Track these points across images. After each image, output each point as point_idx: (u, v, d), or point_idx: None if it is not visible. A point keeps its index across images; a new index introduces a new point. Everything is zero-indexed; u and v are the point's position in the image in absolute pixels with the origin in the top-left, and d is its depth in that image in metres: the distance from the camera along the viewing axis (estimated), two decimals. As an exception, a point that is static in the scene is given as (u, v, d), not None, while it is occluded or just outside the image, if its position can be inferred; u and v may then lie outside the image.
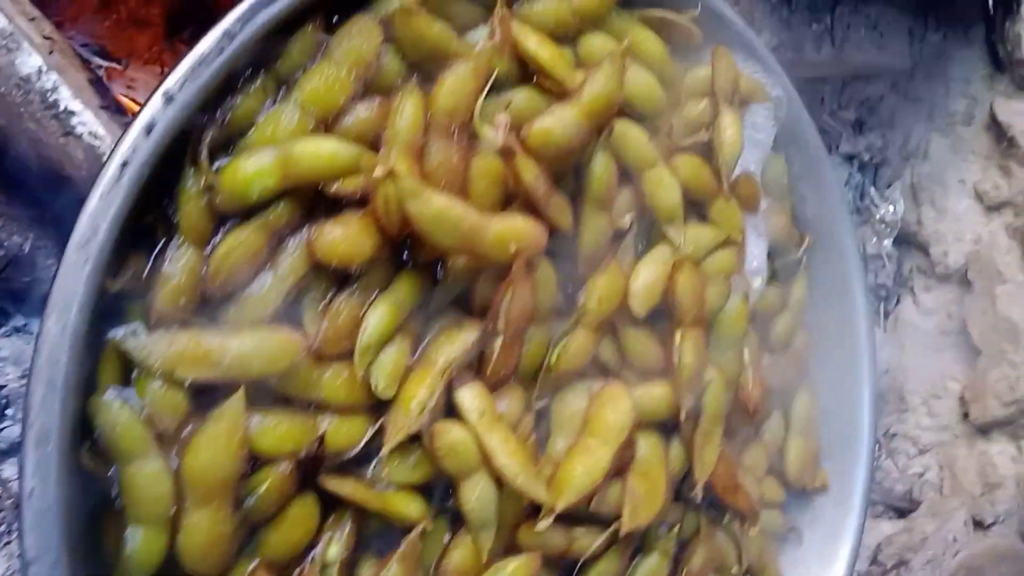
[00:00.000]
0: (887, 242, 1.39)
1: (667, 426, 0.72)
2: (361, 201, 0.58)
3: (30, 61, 0.79)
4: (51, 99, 0.79)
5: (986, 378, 1.30)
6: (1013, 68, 1.30)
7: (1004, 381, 1.28)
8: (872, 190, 1.38)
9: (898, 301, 1.41)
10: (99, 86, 0.83)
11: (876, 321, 1.41)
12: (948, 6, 1.30)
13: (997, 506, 1.31)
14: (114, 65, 1.04)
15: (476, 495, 0.62)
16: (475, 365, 0.64)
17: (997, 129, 1.30)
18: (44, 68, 0.79)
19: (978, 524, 1.30)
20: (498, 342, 0.63)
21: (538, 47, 0.62)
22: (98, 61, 1.01)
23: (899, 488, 1.36)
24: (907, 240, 1.39)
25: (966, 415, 1.34)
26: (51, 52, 0.82)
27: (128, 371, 0.54)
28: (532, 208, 0.62)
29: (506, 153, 0.59)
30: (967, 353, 1.34)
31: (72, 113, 0.78)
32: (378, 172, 0.54)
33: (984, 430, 1.32)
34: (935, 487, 1.37)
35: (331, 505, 0.60)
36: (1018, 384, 1.27)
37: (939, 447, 1.36)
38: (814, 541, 0.84)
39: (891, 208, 1.37)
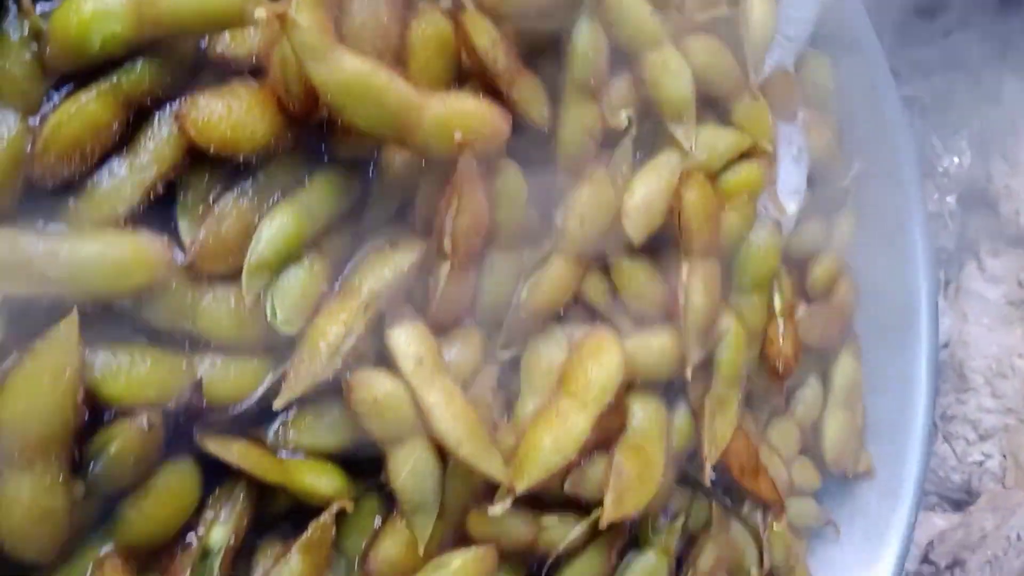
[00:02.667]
0: (950, 199, 1.22)
1: (671, 389, 0.57)
2: (258, 71, 0.44)
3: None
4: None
5: (1061, 356, 1.14)
6: (1103, -3, 1.12)
7: (1081, 359, 1.13)
8: (934, 138, 1.22)
9: (961, 267, 1.25)
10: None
11: (936, 314, 1.25)
12: (1029, -80, 1.13)
13: (1069, 502, 1.15)
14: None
15: (409, 468, 0.47)
16: (419, 303, 0.50)
17: (1082, 69, 1.13)
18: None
19: (1046, 522, 1.14)
20: (445, 268, 0.48)
21: None
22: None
23: (956, 477, 1.20)
24: (973, 197, 1.23)
25: (1035, 397, 1.18)
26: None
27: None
28: (492, 91, 0.48)
29: (453, 9, 0.44)
30: (1039, 327, 1.19)
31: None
32: (260, 13, 0.39)
33: (1056, 415, 1.17)
34: (997, 478, 1.21)
35: (219, 475, 0.46)
36: (1097, 363, 1.12)
37: (1003, 432, 1.21)
38: (854, 538, 0.69)
39: (956, 159, 1.21)
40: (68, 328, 0.40)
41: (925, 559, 1.09)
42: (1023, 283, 1.21)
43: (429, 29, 0.46)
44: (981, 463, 1.23)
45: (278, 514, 0.48)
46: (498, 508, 0.48)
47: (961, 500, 1.19)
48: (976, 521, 1.12)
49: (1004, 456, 1.22)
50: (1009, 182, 1.19)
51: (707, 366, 0.56)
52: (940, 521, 1.16)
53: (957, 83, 1.22)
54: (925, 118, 1.22)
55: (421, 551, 0.48)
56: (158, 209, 0.44)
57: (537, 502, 0.51)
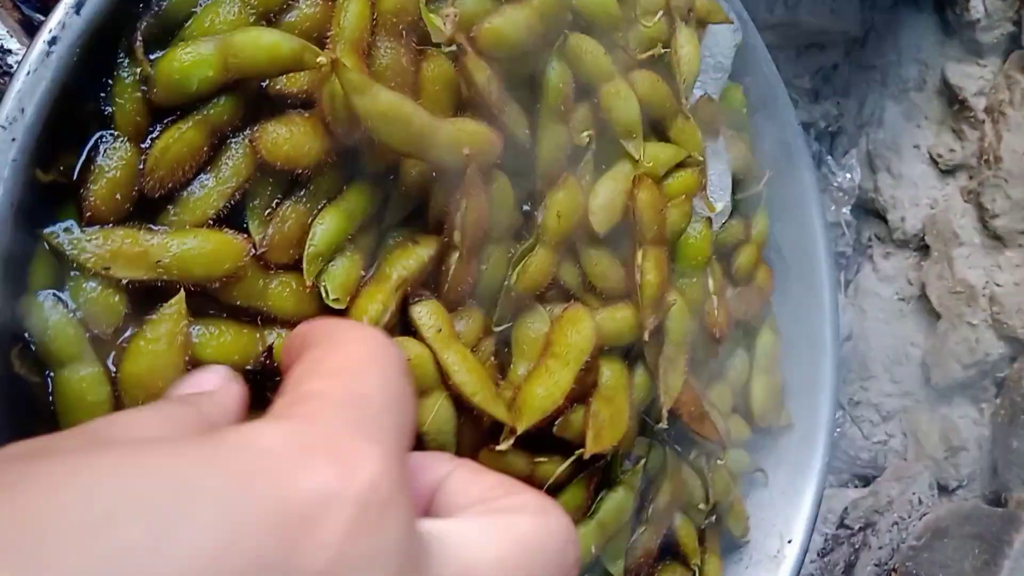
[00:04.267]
0: (845, 210, 1.38)
1: (631, 354, 0.70)
2: (307, 104, 0.56)
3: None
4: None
5: (946, 342, 1.29)
6: (962, 32, 1.30)
7: (963, 344, 1.28)
8: (829, 159, 1.38)
9: (858, 270, 1.41)
10: (30, 28, 0.80)
11: (837, 289, 1.40)
12: (897, -30, 1.31)
13: (960, 469, 1.30)
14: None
15: (433, 415, 0.59)
16: (432, 286, 0.62)
17: (949, 93, 1.30)
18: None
19: (942, 488, 1.30)
20: (454, 257, 0.60)
21: (489, -50, 0.60)
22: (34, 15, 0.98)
23: (864, 456, 1.35)
24: (865, 208, 1.39)
25: (928, 380, 1.33)
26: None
27: (62, 274, 0.50)
28: (486, 116, 0.60)
29: (456, 53, 0.57)
30: (927, 318, 1.34)
31: (8, 52, 0.75)
32: (322, 59, 0.51)
33: (945, 394, 1.32)
34: (899, 454, 1.36)
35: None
36: (977, 347, 1.27)
37: (902, 413, 1.36)
38: (779, 481, 0.83)
39: (848, 176, 1.37)
40: (178, 303, 0.51)
41: (841, 524, 1.23)
42: (912, 281, 1.37)
43: (437, 69, 0.59)
44: (885, 442, 1.38)
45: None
46: (503, 445, 0.60)
47: (869, 475, 1.33)
48: (883, 489, 1.26)
49: (904, 434, 1.37)
50: (894, 193, 1.36)
51: (659, 333, 0.69)
52: (853, 494, 1.30)
53: (846, 109, 1.39)
54: (820, 142, 1.38)
55: None
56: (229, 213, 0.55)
57: (534, 446, 0.63)
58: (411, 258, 0.59)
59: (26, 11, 0.89)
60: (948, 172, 1.33)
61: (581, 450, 0.63)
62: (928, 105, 1.34)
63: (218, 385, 0.42)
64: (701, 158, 0.71)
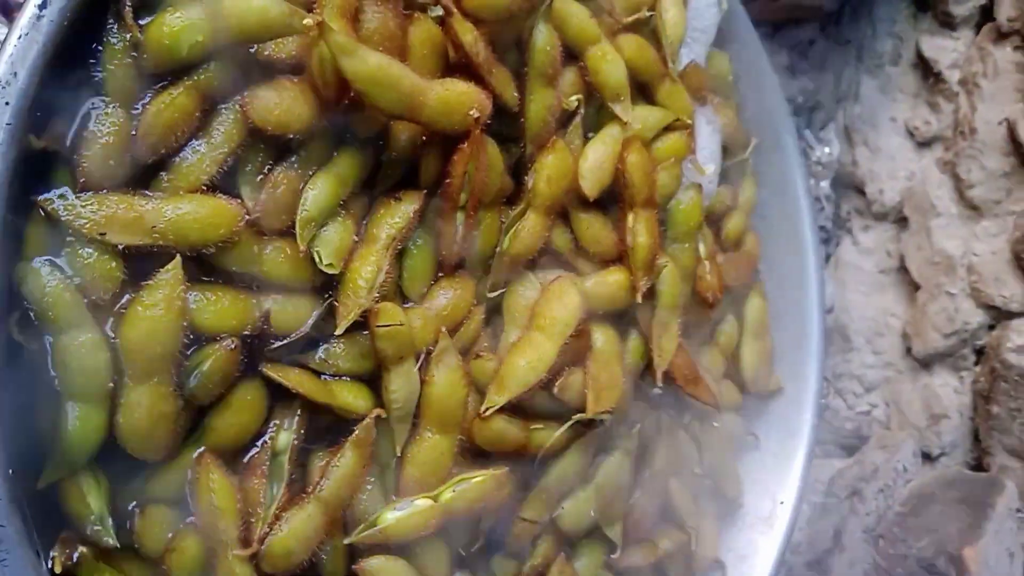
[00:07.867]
0: (824, 184, 1.39)
1: (624, 319, 0.70)
2: (296, 69, 0.56)
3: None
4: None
5: (926, 312, 1.30)
6: (936, 5, 1.31)
7: (943, 313, 1.29)
8: (807, 133, 1.39)
9: (838, 243, 1.42)
10: (6, 10, 0.80)
11: (822, 253, 1.41)
12: (870, -55, 1.31)
13: (943, 437, 1.31)
14: None
15: (402, 383, 0.58)
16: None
17: (924, 66, 1.31)
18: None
19: (926, 456, 1.31)
20: (461, 217, 0.60)
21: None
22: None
23: (848, 426, 1.36)
24: (843, 181, 1.40)
25: (909, 350, 1.34)
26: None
27: (58, 240, 0.50)
28: (474, 79, 0.60)
29: (442, 17, 0.57)
30: (907, 289, 1.35)
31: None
32: (308, 21, 0.51)
33: (926, 363, 1.33)
34: (883, 424, 1.37)
35: (279, 393, 0.57)
36: (956, 316, 1.28)
37: (884, 384, 1.37)
38: (770, 444, 0.83)
39: (826, 150, 1.38)
40: (175, 268, 0.51)
41: (828, 492, 1.24)
42: (891, 253, 1.38)
43: (424, 32, 0.59)
44: (868, 412, 1.39)
45: (324, 427, 0.59)
46: (485, 413, 0.60)
47: (854, 445, 1.34)
48: (868, 458, 1.27)
49: (887, 404, 1.38)
50: (872, 166, 1.36)
51: (651, 297, 0.69)
52: (838, 463, 1.31)
53: (822, 84, 1.40)
54: (798, 115, 1.39)
55: (398, 451, 0.59)
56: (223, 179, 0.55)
57: (527, 415, 0.64)
58: (396, 215, 0.59)
59: None
60: (924, 144, 1.33)
61: (581, 415, 0.63)
62: (903, 78, 1.35)
63: None
64: (690, 121, 0.72)
